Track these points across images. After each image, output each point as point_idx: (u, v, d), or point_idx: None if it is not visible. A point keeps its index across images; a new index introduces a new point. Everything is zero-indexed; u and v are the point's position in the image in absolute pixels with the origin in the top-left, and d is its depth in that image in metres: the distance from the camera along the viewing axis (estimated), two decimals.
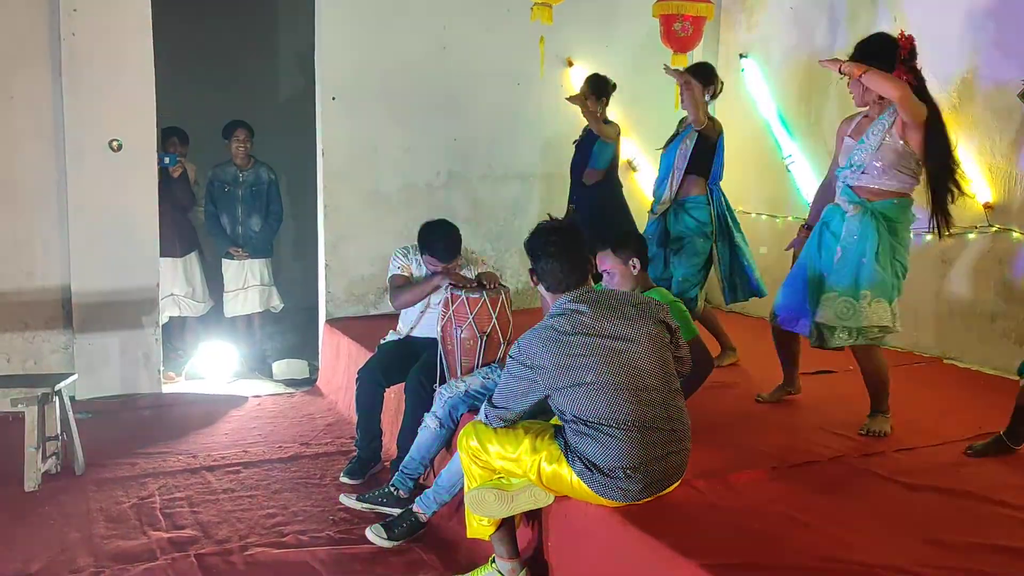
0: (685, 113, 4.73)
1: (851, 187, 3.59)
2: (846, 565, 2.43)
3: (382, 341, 4.36)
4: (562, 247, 2.84)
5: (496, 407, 2.87)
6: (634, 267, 3.44)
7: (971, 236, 4.85)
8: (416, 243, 4.16)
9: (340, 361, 5.50)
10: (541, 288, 2.96)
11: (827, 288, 3.57)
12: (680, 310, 3.42)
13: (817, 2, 5.81)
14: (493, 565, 3.05)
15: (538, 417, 3.04)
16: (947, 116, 4.96)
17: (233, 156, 6.15)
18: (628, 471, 2.67)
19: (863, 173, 3.56)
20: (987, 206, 4.75)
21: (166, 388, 5.57)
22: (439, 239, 4.04)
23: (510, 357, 2.84)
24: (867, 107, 3.61)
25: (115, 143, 5.18)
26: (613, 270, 3.43)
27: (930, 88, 5.08)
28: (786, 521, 2.74)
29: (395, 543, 3.41)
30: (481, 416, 2.98)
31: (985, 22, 4.72)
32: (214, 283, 6.33)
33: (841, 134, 3.74)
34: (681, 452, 2.82)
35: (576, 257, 2.85)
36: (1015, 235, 4.64)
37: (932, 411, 3.93)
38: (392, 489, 3.69)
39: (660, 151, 4.81)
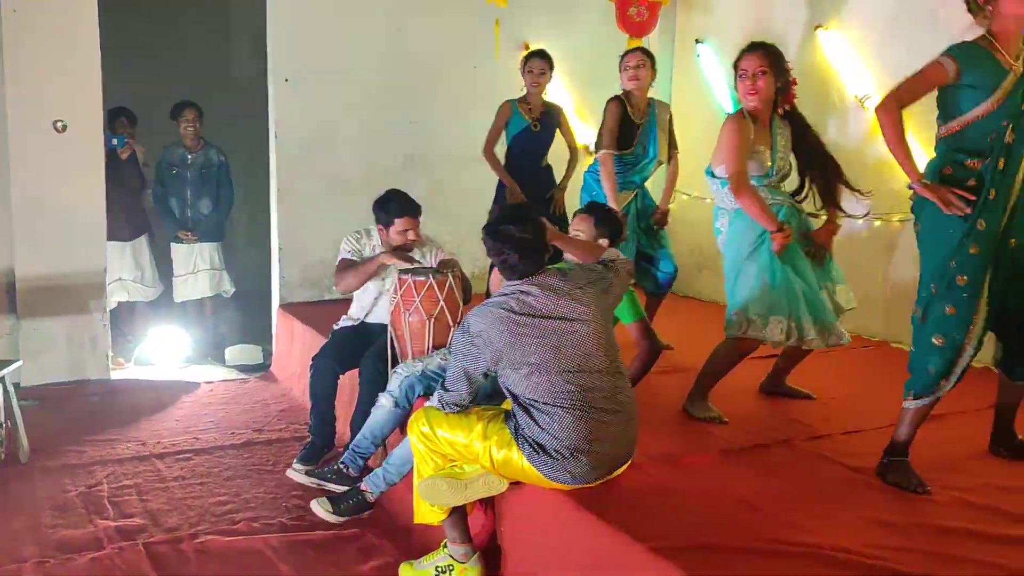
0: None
1: None
2: (793, 547, 2.47)
3: (335, 327, 4.32)
4: (518, 235, 2.84)
5: (449, 390, 2.87)
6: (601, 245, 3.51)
7: None
8: (366, 228, 4.17)
9: (294, 346, 5.44)
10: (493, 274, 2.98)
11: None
12: (630, 293, 3.46)
13: None
14: (445, 549, 3.04)
15: (492, 401, 3.05)
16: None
17: (182, 137, 6.03)
18: (575, 451, 2.68)
19: None
20: None
21: (115, 374, 5.47)
22: (394, 196, 4.05)
23: (458, 332, 2.86)
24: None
25: (60, 124, 5.05)
26: (582, 234, 3.50)
27: (881, 79, 5.19)
28: (736, 504, 2.78)
29: (340, 518, 3.40)
30: (434, 402, 2.98)
31: (934, 10, 4.79)
32: (164, 267, 6.22)
33: None
34: (629, 433, 2.84)
35: (534, 249, 2.85)
36: None
37: (879, 394, 3.99)
38: (341, 466, 3.67)
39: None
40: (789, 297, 3.47)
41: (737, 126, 3.50)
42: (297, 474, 3.81)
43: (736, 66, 3.58)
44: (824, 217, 3.74)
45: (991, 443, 3.26)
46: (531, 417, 2.73)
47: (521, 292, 2.79)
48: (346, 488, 3.54)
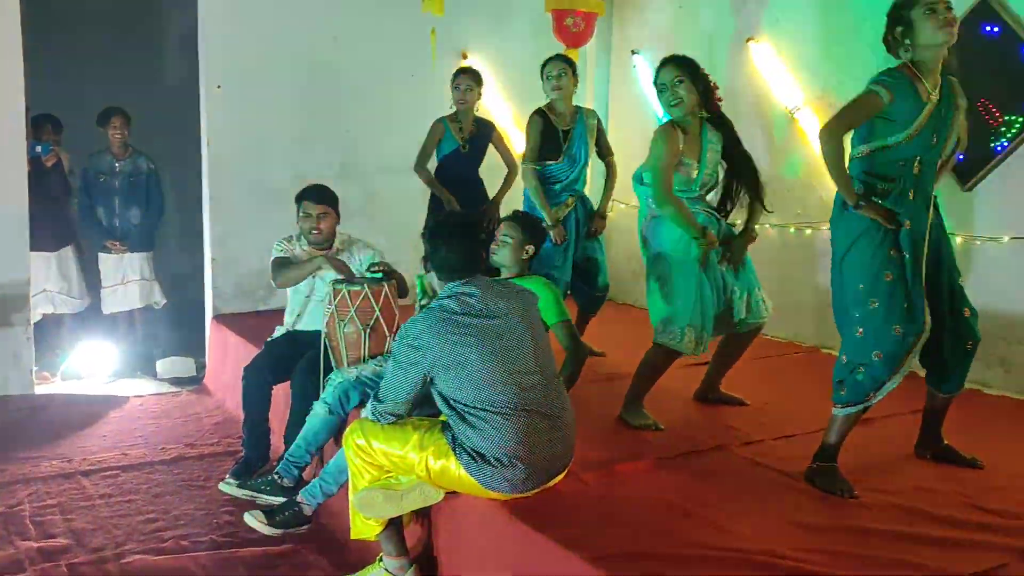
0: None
1: None
2: (724, 552, 2.50)
3: (269, 338, 4.25)
4: (460, 237, 2.90)
5: (383, 401, 2.85)
6: (527, 252, 3.57)
7: None
8: (297, 234, 4.17)
9: (228, 358, 5.33)
10: (431, 277, 2.96)
11: None
12: (556, 295, 3.52)
13: (703, 1, 5.95)
14: (381, 564, 3.01)
15: (424, 411, 3.03)
16: (824, 115, 5.20)
17: (110, 144, 5.87)
18: (513, 459, 2.68)
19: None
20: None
21: (39, 389, 5.29)
22: (308, 187, 4.12)
23: (396, 340, 2.86)
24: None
25: None
26: (510, 240, 3.55)
27: (811, 91, 5.31)
28: (670, 510, 2.80)
29: (276, 531, 3.33)
30: (368, 413, 2.95)
31: (861, 23, 4.91)
32: (92, 278, 6.04)
33: None
34: (566, 440, 2.85)
35: (472, 248, 2.92)
36: None
37: (810, 399, 4.07)
38: (276, 477, 3.60)
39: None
40: (704, 308, 3.53)
41: (666, 136, 3.55)
42: (229, 487, 3.73)
43: (656, 83, 3.64)
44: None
45: (916, 446, 3.34)
46: (468, 424, 2.72)
47: (461, 293, 2.82)
48: (282, 499, 3.48)
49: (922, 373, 3.27)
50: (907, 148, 2.92)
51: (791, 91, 5.32)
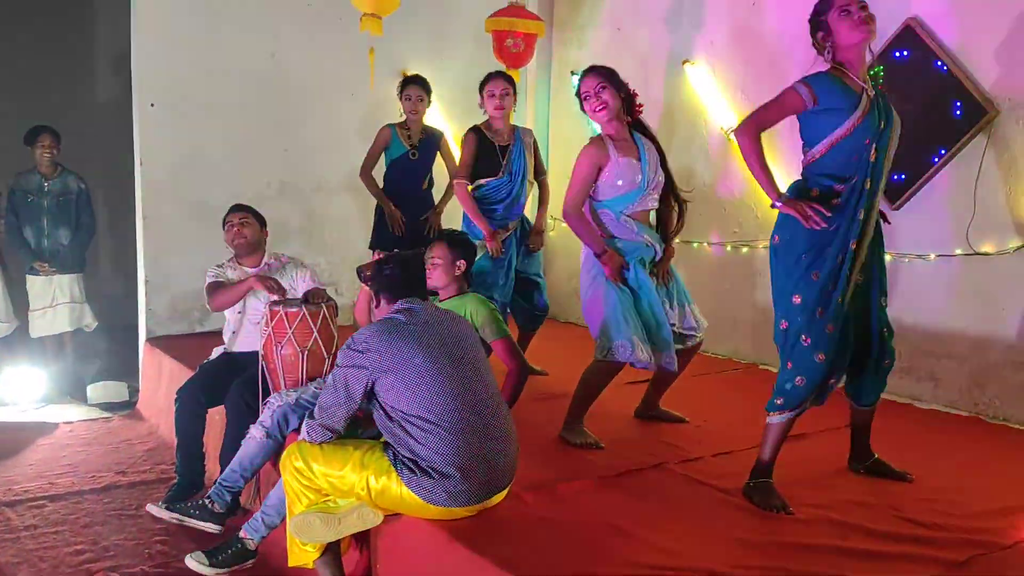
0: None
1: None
2: (662, 571, 2.50)
3: (205, 361, 4.17)
4: (406, 260, 3.04)
5: (324, 412, 2.84)
6: (459, 267, 3.62)
7: None
8: (229, 258, 4.18)
9: (162, 382, 5.20)
10: (377, 309, 3.03)
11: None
12: (492, 311, 3.56)
13: (641, 22, 6.04)
14: None
15: (366, 432, 3.00)
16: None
17: (38, 164, 5.71)
18: (452, 468, 2.68)
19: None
20: None
21: None
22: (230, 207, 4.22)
23: (341, 350, 2.87)
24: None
25: None
26: (439, 261, 3.60)
27: (745, 111, 5.41)
28: (610, 530, 2.79)
29: (219, 571, 3.23)
30: (303, 434, 2.90)
31: (792, 46, 5.03)
32: (20, 300, 5.84)
33: None
34: (507, 455, 2.86)
35: (417, 271, 3.07)
36: None
37: (748, 415, 4.12)
38: (207, 502, 3.49)
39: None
40: (632, 319, 3.55)
41: (588, 150, 3.63)
42: (157, 509, 3.59)
43: (578, 94, 3.71)
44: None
45: (849, 460, 3.40)
46: (408, 434, 2.72)
47: (407, 308, 2.90)
48: (212, 526, 3.39)
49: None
50: (859, 133, 2.94)
51: (726, 112, 5.42)
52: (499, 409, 2.89)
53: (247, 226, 4.12)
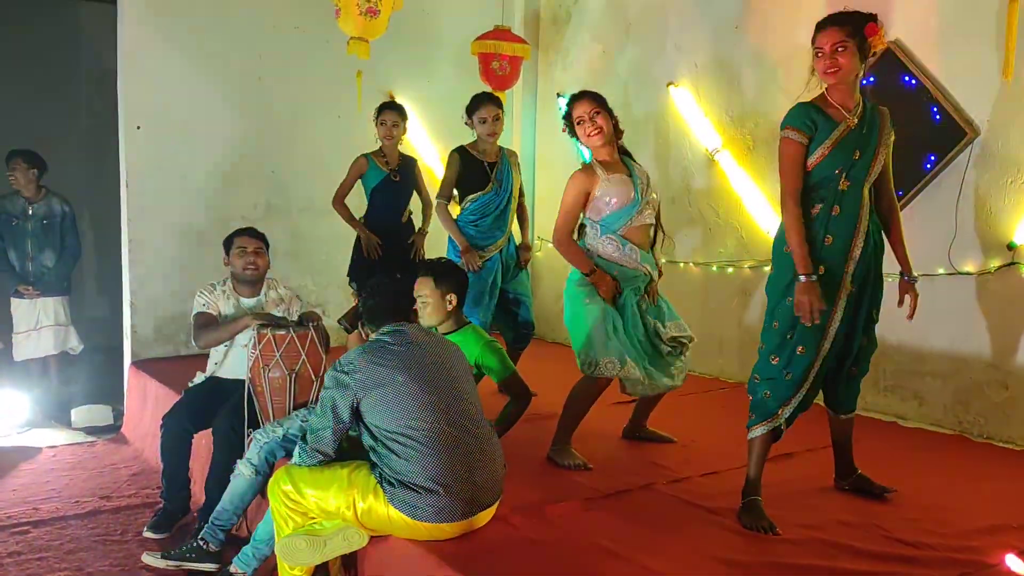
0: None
1: None
2: None
3: (190, 384, 4.14)
4: (391, 288, 3.07)
5: (309, 441, 2.87)
6: (450, 302, 3.51)
7: (767, 269, 5.19)
8: (221, 279, 4.08)
9: (147, 406, 5.17)
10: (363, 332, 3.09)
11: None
12: (497, 349, 3.53)
13: (625, 45, 6.10)
14: None
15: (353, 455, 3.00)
16: (742, 158, 5.36)
17: (15, 188, 5.68)
18: (435, 483, 2.70)
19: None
20: None
21: None
22: (241, 228, 4.09)
23: (329, 372, 2.90)
24: None
25: None
26: (429, 299, 3.49)
27: (729, 133, 5.48)
28: (598, 552, 2.79)
29: None
30: (295, 458, 2.90)
31: (775, 69, 5.10)
32: (3, 324, 5.80)
33: None
34: (491, 471, 2.87)
35: (401, 296, 3.10)
36: None
37: (735, 435, 4.12)
38: (201, 543, 3.47)
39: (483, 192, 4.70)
40: (618, 336, 3.58)
41: (578, 180, 3.65)
42: (153, 558, 3.49)
43: (570, 117, 3.72)
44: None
45: (835, 478, 3.42)
46: (391, 451, 2.75)
47: (396, 330, 2.93)
48: (210, 566, 3.36)
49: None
50: (830, 162, 3.02)
51: (711, 133, 5.48)
52: (481, 428, 2.91)
53: (261, 256, 3.99)
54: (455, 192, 4.77)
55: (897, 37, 4.43)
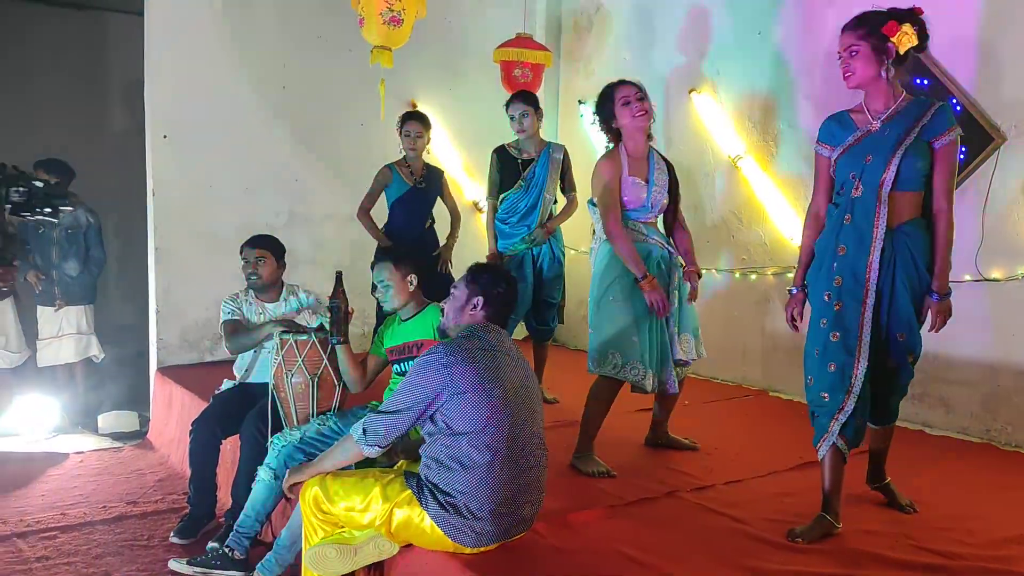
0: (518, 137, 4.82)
1: None
2: None
3: (217, 391, 4.17)
4: (512, 292, 2.97)
5: (384, 413, 2.76)
6: (411, 283, 3.56)
7: (790, 276, 5.17)
8: (244, 288, 4.12)
9: (173, 412, 5.22)
10: (471, 311, 2.93)
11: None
12: None
13: (647, 52, 6.10)
14: None
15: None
16: (765, 163, 5.34)
17: None
18: (489, 511, 2.66)
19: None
20: None
21: None
22: (247, 240, 4.13)
23: (427, 356, 2.77)
24: None
25: None
26: (390, 282, 3.52)
27: (752, 140, 5.46)
28: (622, 560, 2.79)
29: None
30: (356, 431, 2.83)
31: (798, 77, 5.09)
32: (32, 331, 5.88)
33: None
34: (535, 505, 2.85)
35: (508, 308, 2.98)
36: None
37: (759, 443, 4.13)
38: (227, 550, 3.49)
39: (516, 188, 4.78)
40: (651, 344, 3.59)
41: (607, 167, 3.65)
42: (179, 564, 3.52)
43: (613, 95, 3.69)
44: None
45: (867, 479, 3.38)
46: (460, 465, 2.67)
47: (479, 330, 2.85)
48: (236, 574, 3.38)
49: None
50: (842, 168, 2.98)
51: (733, 140, 5.46)
52: (542, 455, 2.85)
53: (262, 264, 4.04)
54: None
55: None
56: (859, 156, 2.95)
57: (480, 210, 6.61)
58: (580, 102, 6.63)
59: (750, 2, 5.36)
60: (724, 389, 5.23)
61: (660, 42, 6.01)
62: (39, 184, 2.82)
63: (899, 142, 2.90)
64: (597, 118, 3.77)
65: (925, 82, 4.37)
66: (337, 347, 3.50)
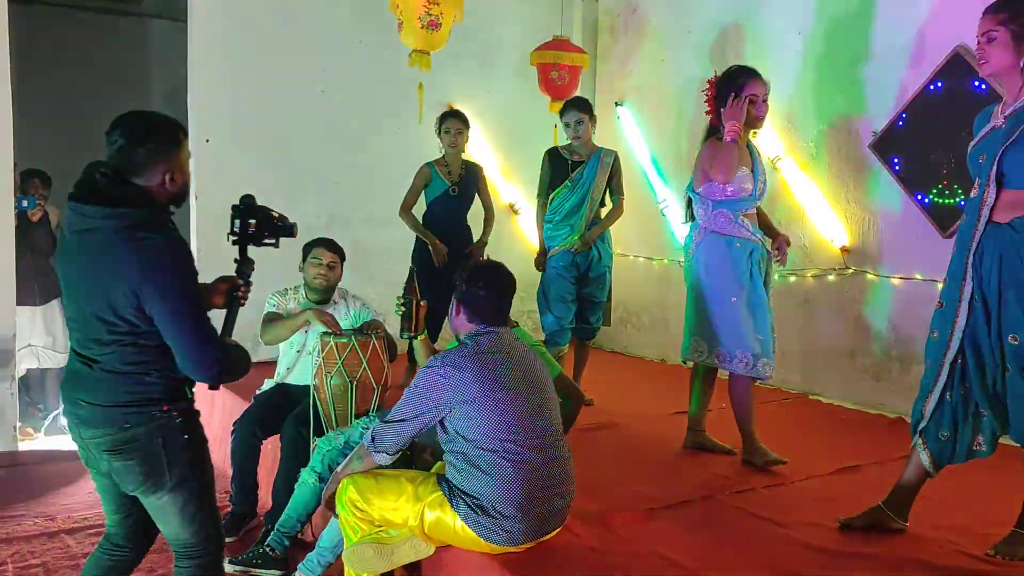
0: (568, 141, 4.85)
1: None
2: None
3: (258, 391, 4.23)
4: (499, 283, 2.92)
5: (389, 423, 2.78)
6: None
7: (830, 278, 5.12)
8: (294, 286, 4.19)
9: (214, 411, 5.28)
10: (457, 318, 2.93)
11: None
12: (542, 351, 3.51)
13: (686, 52, 6.08)
14: None
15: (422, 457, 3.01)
16: (805, 164, 5.29)
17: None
18: (513, 509, 2.66)
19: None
20: (844, 250, 5.04)
21: (23, 445, 5.22)
22: (321, 237, 4.20)
23: (425, 367, 2.80)
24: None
25: None
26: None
27: (791, 141, 5.41)
28: (659, 562, 2.78)
29: None
30: (367, 440, 2.87)
31: (838, 76, 5.03)
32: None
33: None
34: (566, 497, 2.85)
35: (507, 297, 2.94)
36: (869, 276, 4.93)
37: (799, 446, 4.08)
38: (267, 549, 3.54)
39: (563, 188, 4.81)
40: (744, 324, 3.72)
41: (734, 152, 3.68)
42: None
43: (740, 89, 3.71)
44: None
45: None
46: (480, 470, 2.68)
47: (488, 332, 2.84)
48: (276, 573, 3.43)
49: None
50: (975, 150, 2.81)
51: (772, 141, 5.41)
52: (563, 449, 2.86)
53: (334, 269, 4.09)
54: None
55: (964, 41, 4.33)
56: (977, 154, 2.80)
57: (516, 212, 6.64)
58: (617, 104, 6.62)
59: (788, 1, 5.31)
60: (762, 392, 5.16)
61: (696, 42, 5.98)
62: (274, 215, 2.88)
63: (1007, 139, 2.69)
64: (719, 93, 3.78)
65: (983, 86, 4.28)
66: (413, 341, 3.44)
